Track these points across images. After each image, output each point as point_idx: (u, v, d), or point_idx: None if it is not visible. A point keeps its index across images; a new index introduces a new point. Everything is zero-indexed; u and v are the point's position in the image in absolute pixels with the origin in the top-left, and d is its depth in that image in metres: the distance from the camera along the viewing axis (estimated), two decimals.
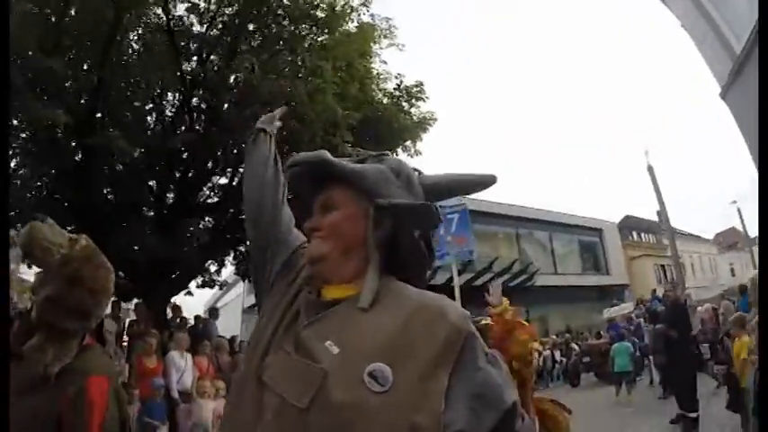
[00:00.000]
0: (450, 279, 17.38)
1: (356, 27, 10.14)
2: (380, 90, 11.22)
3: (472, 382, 0.92)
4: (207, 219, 10.70)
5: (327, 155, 1.13)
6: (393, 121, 10.43)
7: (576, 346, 18.11)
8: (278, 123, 1.43)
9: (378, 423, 0.84)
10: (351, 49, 9.84)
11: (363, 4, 10.07)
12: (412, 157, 11.09)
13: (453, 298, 7.35)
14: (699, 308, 11.91)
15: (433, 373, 0.90)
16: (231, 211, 10.17)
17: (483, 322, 3.52)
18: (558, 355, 18.44)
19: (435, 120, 11.36)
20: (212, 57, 9.49)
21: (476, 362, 0.95)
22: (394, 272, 1.10)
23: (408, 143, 11.14)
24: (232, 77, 9.47)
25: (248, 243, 1.29)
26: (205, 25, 9.55)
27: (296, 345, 0.98)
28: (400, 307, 0.99)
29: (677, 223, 41.53)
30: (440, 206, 4.51)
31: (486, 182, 1.28)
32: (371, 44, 10.64)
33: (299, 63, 9.30)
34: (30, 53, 7.41)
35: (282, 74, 8.99)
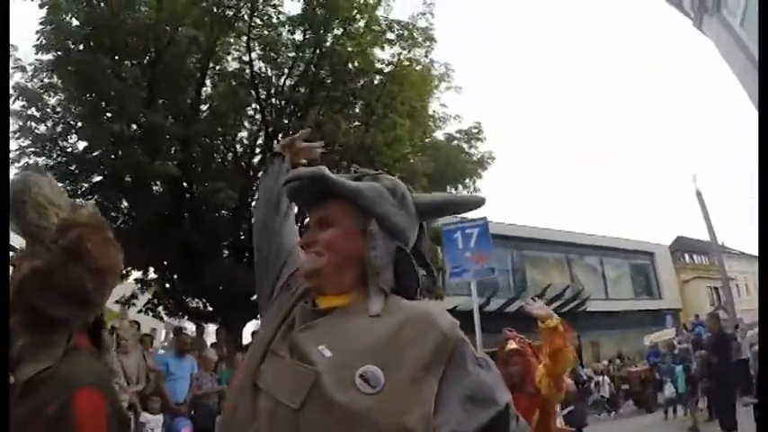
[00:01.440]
0: (505, 305, 18.19)
1: (417, 73, 10.81)
2: (442, 132, 12.20)
3: (463, 386, 0.96)
4: None
5: (327, 171, 1.15)
6: (454, 163, 11.31)
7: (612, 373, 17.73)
8: (301, 144, 1.55)
9: (368, 424, 0.87)
10: (415, 95, 10.63)
11: (426, 55, 10.92)
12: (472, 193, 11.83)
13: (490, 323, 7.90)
14: (750, 331, 11.62)
15: (424, 377, 0.93)
16: None
17: (508, 348, 3.38)
18: (605, 380, 17.84)
19: (494, 158, 12.23)
20: (291, 107, 10.46)
21: (465, 366, 0.99)
22: (398, 291, 1.15)
23: (468, 181, 11.91)
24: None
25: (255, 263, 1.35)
26: (282, 78, 10.55)
27: (290, 349, 1.02)
28: (392, 315, 1.03)
29: (732, 242, 40.47)
30: (460, 220, 5.70)
31: (475, 202, 1.40)
32: (432, 89, 11.56)
33: (373, 114, 10.20)
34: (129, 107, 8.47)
35: (358, 124, 10.12)
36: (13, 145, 9.19)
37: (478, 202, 1.39)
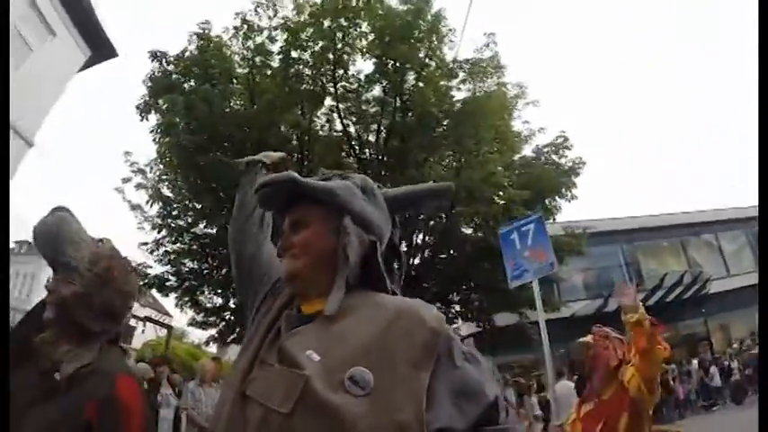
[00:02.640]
0: (601, 307, 17.79)
1: (494, 101, 11.06)
2: (530, 148, 12.52)
3: (452, 381, 0.97)
4: None
5: (295, 175, 1.17)
6: (546, 177, 11.48)
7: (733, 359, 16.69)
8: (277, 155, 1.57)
9: (360, 426, 0.86)
10: (498, 120, 11.06)
11: (497, 84, 11.50)
12: (569, 201, 11.99)
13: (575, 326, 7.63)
14: None
15: (414, 374, 0.93)
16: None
17: (581, 339, 3.15)
18: (735, 364, 16.79)
19: (584, 163, 12.23)
20: (387, 160, 11.13)
21: (454, 361, 0.99)
22: (372, 285, 1.15)
23: (564, 190, 11.93)
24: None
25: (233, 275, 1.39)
26: (372, 134, 11.42)
27: (279, 356, 1.00)
28: (378, 314, 1.03)
29: None
30: (515, 220, 5.83)
31: (442, 190, 1.39)
32: (512, 111, 12.00)
33: (464, 153, 10.86)
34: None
35: (451, 165, 10.75)
36: (153, 236, 11.19)
37: (444, 191, 1.38)
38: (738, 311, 20.22)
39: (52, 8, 9.77)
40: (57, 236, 1.53)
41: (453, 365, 0.99)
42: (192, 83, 9.88)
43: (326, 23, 10.08)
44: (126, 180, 10.99)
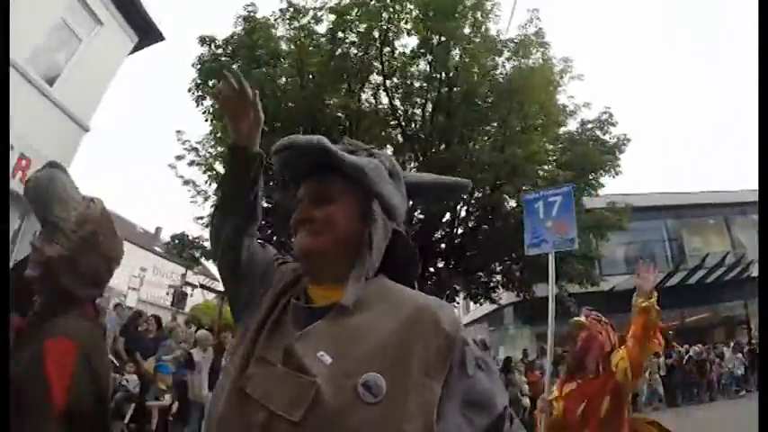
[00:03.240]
0: (664, 279, 17.59)
1: (539, 76, 11.14)
2: (575, 122, 12.58)
3: (463, 391, 0.95)
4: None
5: (326, 141, 1.08)
6: (590, 154, 11.52)
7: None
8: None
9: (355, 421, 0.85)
10: (543, 96, 11.14)
11: (542, 59, 11.50)
12: (614, 177, 12.13)
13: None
14: None
15: (427, 383, 0.91)
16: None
17: (575, 318, 3.19)
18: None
19: (629, 140, 12.22)
20: (434, 136, 11.35)
21: (466, 370, 0.96)
22: (386, 271, 1.10)
23: (608, 167, 11.99)
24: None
25: (217, 263, 1.24)
26: (419, 108, 11.64)
27: (285, 356, 0.95)
28: (397, 310, 0.99)
29: None
30: (544, 189, 5.75)
31: (463, 186, 1.34)
32: (557, 86, 11.94)
33: (509, 130, 10.96)
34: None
35: (494, 141, 10.87)
36: (206, 209, 11.71)
37: (465, 186, 1.35)
38: None
39: (99, 1, 9.98)
40: (45, 193, 1.51)
41: (465, 374, 0.97)
42: (240, 64, 10.13)
43: (372, 3, 10.26)
44: (179, 157, 11.63)
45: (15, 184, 8.24)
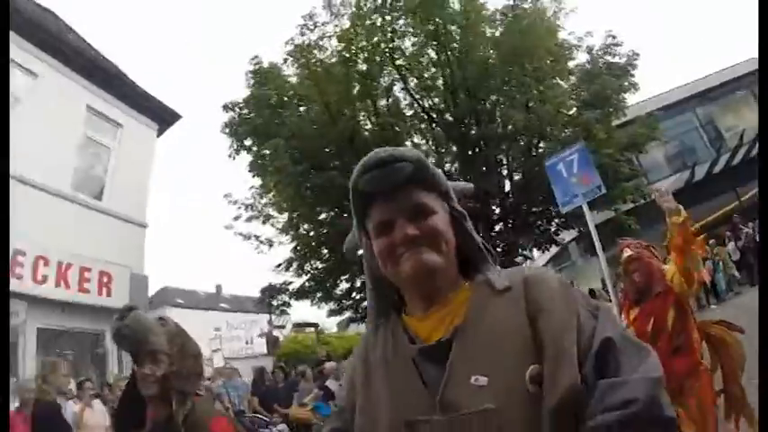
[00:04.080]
0: (689, 180, 17.53)
1: (535, 24, 11.69)
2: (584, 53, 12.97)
3: (585, 343, 0.89)
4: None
5: (420, 154, 1.03)
6: (606, 82, 11.79)
7: None
8: None
9: (536, 418, 0.83)
10: (548, 41, 11.77)
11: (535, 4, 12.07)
12: (634, 93, 12.68)
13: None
14: None
15: (572, 353, 0.87)
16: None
17: (625, 257, 3.32)
18: None
19: (638, 55, 12.46)
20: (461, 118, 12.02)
21: (583, 326, 0.91)
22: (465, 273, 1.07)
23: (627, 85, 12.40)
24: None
25: None
26: (440, 97, 12.42)
27: (442, 406, 0.89)
28: (509, 304, 0.96)
29: None
30: (559, 152, 7.45)
31: (468, 190, 1.28)
32: (555, 29, 12.49)
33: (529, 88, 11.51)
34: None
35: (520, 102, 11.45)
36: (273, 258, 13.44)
37: (470, 190, 1.30)
38: None
39: (110, 105, 10.53)
40: (139, 332, 1.87)
41: (585, 330, 0.90)
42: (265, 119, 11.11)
43: (370, 18, 11.16)
44: (237, 218, 12.73)
45: (104, 300, 8.96)
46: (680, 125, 20.57)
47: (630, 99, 12.86)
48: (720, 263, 14.67)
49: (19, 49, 8.24)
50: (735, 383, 3.15)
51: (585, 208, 6.62)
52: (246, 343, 39.62)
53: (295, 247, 12.72)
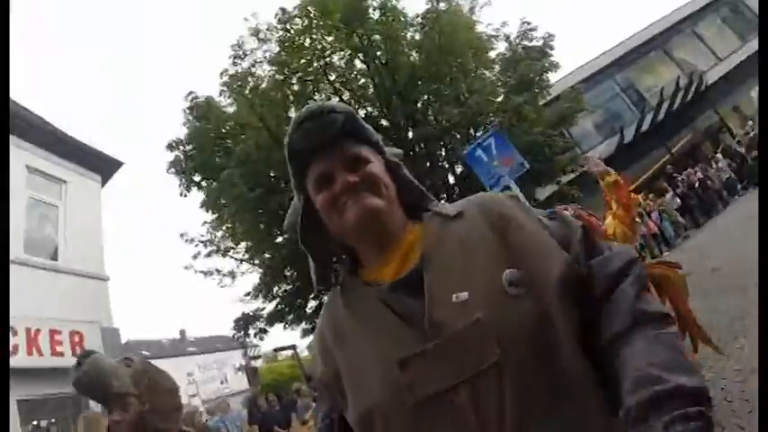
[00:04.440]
0: (620, 142, 18.59)
1: (453, 22, 12.29)
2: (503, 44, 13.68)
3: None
4: None
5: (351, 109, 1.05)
6: (530, 65, 12.51)
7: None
8: None
9: (525, 317, 0.85)
10: (469, 37, 12.46)
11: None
12: (555, 71, 13.32)
13: None
14: None
15: (550, 244, 0.95)
16: None
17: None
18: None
19: (553, 36, 13.22)
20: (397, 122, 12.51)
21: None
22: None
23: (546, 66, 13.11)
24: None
25: None
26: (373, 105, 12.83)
27: (433, 332, 0.88)
28: (468, 225, 1.00)
29: None
30: (475, 139, 8.70)
31: (398, 154, 1.21)
32: (472, 23, 13.18)
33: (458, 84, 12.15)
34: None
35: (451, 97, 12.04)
36: (253, 306, 13.29)
37: (398, 154, 1.20)
38: (742, 88, 20.26)
39: (50, 163, 10.42)
40: (98, 379, 1.72)
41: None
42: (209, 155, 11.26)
43: (300, 42, 11.61)
44: (195, 256, 12.84)
45: (70, 361, 8.84)
46: (603, 93, 21.70)
47: (553, 77, 13.60)
48: (665, 213, 15.67)
49: None
50: (682, 305, 3.45)
51: (513, 185, 6.64)
52: (221, 383, 39.29)
53: (263, 274, 12.85)
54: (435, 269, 0.94)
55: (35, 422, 8.49)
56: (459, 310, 0.87)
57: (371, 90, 12.56)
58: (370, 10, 11.70)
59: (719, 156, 17.61)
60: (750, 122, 17.68)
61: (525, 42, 13.19)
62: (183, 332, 38.65)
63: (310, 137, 1.00)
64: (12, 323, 7.98)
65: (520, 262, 0.91)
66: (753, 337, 4.46)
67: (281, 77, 11.53)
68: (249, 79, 11.73)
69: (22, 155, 9.75)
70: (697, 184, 16.28)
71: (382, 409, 0.89)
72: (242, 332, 13.61)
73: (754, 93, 17.60)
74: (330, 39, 11.94)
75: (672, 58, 23.16)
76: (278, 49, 11.65)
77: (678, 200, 16.41)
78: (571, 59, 26.97)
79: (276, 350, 19.62)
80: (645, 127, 19.44)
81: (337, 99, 12.29)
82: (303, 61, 11.44)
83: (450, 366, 0.85)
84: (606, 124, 21.60)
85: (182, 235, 12.71)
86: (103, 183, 11.82)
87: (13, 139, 9.56)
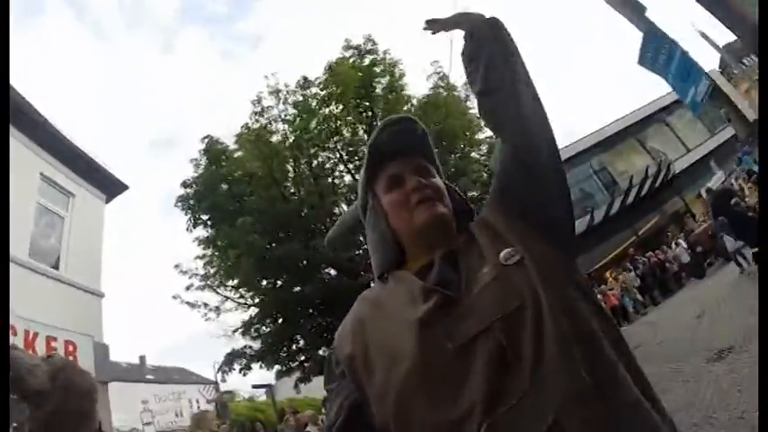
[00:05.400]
0: (590, 222, 20.20)
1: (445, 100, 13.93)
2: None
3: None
4: None
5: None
6: None
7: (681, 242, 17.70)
8: None
9: (522, 281, 0.95)
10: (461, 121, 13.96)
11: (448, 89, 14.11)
12: None
13: None
14: None
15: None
16: None
17: None
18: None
19: None
20: None
21: None
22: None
23: None
24: None
25: None
26: None
27: (465, 292, 0.97)
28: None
29: None
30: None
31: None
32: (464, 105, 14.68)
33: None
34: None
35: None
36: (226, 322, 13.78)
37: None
38: (707, 176, 21.22)
39: (62, 174, 10.91)
40: (17, 374, 1.58)
41: None
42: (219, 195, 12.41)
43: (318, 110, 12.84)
44: (189, 287, 13.73)
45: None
46: (578, 174, 23.08)
47: None
48: (626, 290, 16.77)
49: None
50: None
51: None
52: (176, 415, 38.24)
53: (259, 312, 13.67)
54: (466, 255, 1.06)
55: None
56: (483, 278, 0.98)
57: None
58: (379, 88, 13.07)
59: (681, 240, 18.58)
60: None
61: None
62: (142, 358, 38.00)
63: (394, 139, 1.15)
64: (12, 321, 8.28)
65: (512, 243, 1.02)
66: (701, 387, 5.38)
67: (293, 138, 12.65)
68: (262, 133, 12.85)
69: (37, 162, 10.22)
70: (658, 267, 17.32)
71: (423, 359, 0.92)
72: (228, 366, 14.33)
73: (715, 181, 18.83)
74: (340, 108, 13.15)
75: (644, 147, 24.79)
76: (293, 110, 12.84)
77: (638, 279, 17.46)
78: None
79: (255, 387, 20.17)
80: (614, 210, 20.67)
81: (342, 166, 13.44)
82: (314, 125, 12.62)
83: (482, 313, 0.93)
84: (579, 204, 22.58)
85: (176, 266, 13.64)
86: (107, 201, 12.35)
87: (32, 146, 10.08)
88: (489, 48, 1.12)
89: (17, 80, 12.11)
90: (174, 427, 28.39)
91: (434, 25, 1.26)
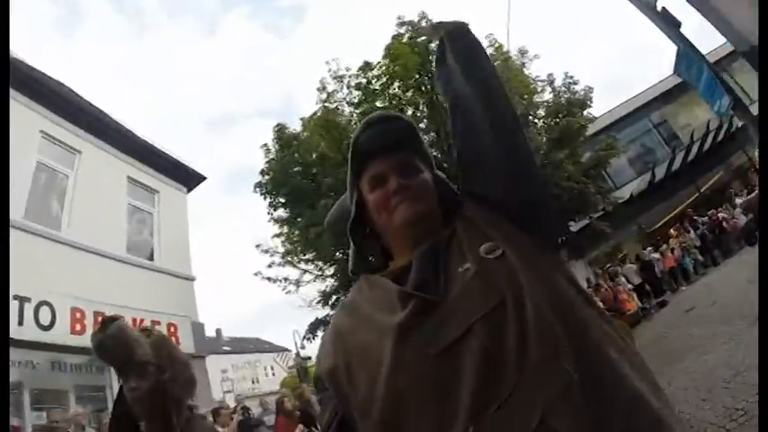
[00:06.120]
0: (651, 180, 19.93)
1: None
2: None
3: None
4: None
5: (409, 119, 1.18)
6: (569, 124, 14.30)
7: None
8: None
9: (511, 276, 0.95)
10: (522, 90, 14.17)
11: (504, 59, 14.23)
12: (592, 122, 15.29)
13: None
14: None
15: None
16: None
17: None
18: None
19: (592, 88, 15.16)
20: None
21: None
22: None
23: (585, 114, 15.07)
24: None
25: None
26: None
27: (444, 293, 0.98)
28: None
29: None
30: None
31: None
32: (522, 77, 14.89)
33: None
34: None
35: None
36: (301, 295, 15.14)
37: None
38: None
39: (147, 175, 12.05)
40: (125, 343, 1.67)
41: None
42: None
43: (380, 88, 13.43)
44: (270, 265, 14.98)
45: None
46: (637, 129, 22.84)
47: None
48: (686, 249, 17.03)
49: (65, 131, 9.87)
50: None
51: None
52: (253, 382, 41.27)
53: (336, 282, 14.68)
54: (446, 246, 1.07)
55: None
56: (463, 275, 0.99)
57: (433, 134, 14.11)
58: None
59: (738, 201, 18.12)
60: None
61: (568, 95, 14.91)
62: (218, 331, 40.47)
63: (376, 138, 1.17)
64: (120, 312, 9.51)
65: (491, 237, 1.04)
66: (739, 349, 5.76)
67: (359, 120, 13.01)
68: (330, 117, 13.47)
69: (123, 167, 11.41)
70: (718, 227, 17.13)
71: (405, 368, 0.92)
72: (312, 334, 15.46)
73: None
74: (408, 93, 13.64)
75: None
76: (357, 92, 13.40)
77: (699, 240, 17.43)
78: (610, 99, 27.97)
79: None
80: (676, 166, 20.35)
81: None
82: (380, 106, 13.07)
83: (462, 314, 0.92)
84: (639, 159, 22.48)
85: (257, 246, 14.85)
86: (188, 191, 13.53)
87: (118, 153, 11.24)
88: (462, 45, 1.20)
89: (84, 91, 13.08)
90: (252, 394, 30.32)
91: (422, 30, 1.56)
